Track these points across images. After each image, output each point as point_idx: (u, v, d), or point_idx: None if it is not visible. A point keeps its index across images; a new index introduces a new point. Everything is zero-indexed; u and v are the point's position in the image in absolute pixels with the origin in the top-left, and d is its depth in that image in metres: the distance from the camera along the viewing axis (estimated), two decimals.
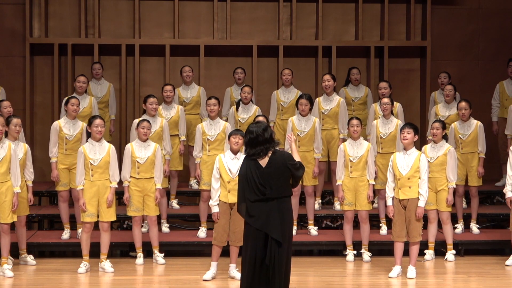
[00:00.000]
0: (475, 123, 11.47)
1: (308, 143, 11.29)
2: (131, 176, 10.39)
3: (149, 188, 10.43)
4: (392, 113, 11.53)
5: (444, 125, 10.63)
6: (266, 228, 7.68)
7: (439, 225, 10.85)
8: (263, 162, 7.75)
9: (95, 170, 10.05)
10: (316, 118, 11.36)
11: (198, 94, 12.80)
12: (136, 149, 10.40)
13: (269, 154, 7.77)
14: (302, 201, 11.78)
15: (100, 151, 10.11)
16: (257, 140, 7.75)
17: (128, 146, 10.46)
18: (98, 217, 10.12)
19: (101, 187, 10.10)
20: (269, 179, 7.70)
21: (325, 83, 12.07)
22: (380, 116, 11.64)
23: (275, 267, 7.68)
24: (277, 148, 7.88)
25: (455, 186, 10.65)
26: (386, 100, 11.46)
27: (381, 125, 11.45)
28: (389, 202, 9.97)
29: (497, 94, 13.20)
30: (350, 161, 10.61)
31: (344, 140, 11.84)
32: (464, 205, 11.86)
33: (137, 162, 10.35)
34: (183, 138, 12.07)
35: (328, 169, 12.51)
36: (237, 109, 12.10)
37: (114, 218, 10.21)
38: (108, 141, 12.75)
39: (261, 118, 10.42)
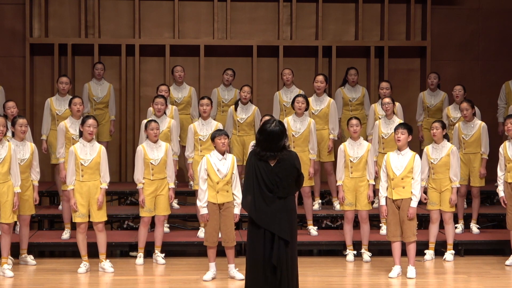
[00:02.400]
0: (478, 124, 11.45)
1: (303, 143, 11.26)
2: (144, 178, 10.38)
3: (162, 188, 10.43)
4: (393, 112, 11.52)
5: (444, 125, 10.62)
6: (273, 227, 7.65)
7: (441, 226, 10.85)
8: (272, 161, 7.72)
9: (85, 170, 10.03)
10: (311, 119, 11.33)
11: (189, 94, 12.80)
12: (149, 151, 10.39)
13: (278, 157, 7.73)
14: (300, 202, 11.76)
15: (91, 151, 10.07)
16: (270, 146, 7.68)
17: (140, 148, 10.44)
18: (89, 217, 10.12)
19: (92, 188, 10.07)
20: (277, 178, 7.67)
21: (317, 83, 12.02)
22: (382, 116, 11.63)
23: (282, 268, 7.63)
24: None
25: (458, 186, 10.65)
26: (387, 100, 11.45)
27: (383, 125, 11.44)
28: (382, 202, 9.98)
29: (503, 94, 13.13)
30: (351, 161, 10.60)
31: (334, 140, 11.87)
32: (465, 205, 11.85)
33: (151, 164, 10.34)
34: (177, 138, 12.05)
35: (320, 169, 12.49)
36: (235, 109, 12.09)
37: (105, 219, 10.18)
38: (108, 141, 12.86)
39: (267, 118, 10.38)
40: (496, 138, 12.87)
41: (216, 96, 12.86)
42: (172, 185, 10.49)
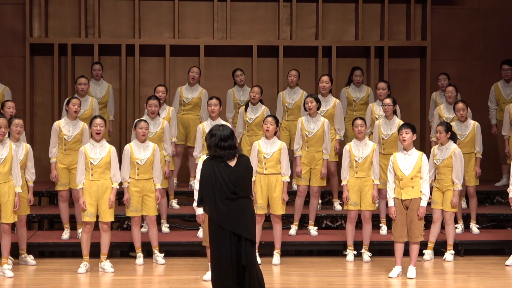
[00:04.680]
0: (472, 124, 11.48)
1: (316, 143, 11.24)
2: (130, 177, 10.39)
3: (148, 188, 10.43)
4: (395, 113, 11.50)
5: (448, 127, 10.59)
6: (238, 229, 7.78)
7: (442, 226, 10.85)
8: (232, 162, 7.87)
9: (95, 169, 10.06)
10: (325, 119, 11.29)
11: (199, 96, 12.78)
12: (135, 150, 10.40)
13: (236, 156, 7.92)
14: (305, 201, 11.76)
15: (100, 151, 10.12)
16: (227, 143, 7.84)
17: (127, 147, 10.47)
18: (97, 217, 10.13)
19: (101, 187, 10.10)
20: (239, 178, 7.82)
21: (322, 84, 12.02)
22: (382, 116, 11.61)
23: (251, 267, 7.78)
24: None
25: (460, 188, 10.65)
26: (388, 101, 11.41)
27: (383, 126, 11.43)
28: (391, 203, 9.95)
29: (493, 96, 13.16)
30: (356, 161, 10.60)
31: (340, 140, 11.87)
32: (464, 205, 11.86)
33: (137, 163, 10.35)
34: (174, 139, 12.04)
35: None
36: (245, 109, 12.10)
37: (112, 219, 10.22)
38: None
39: (270, 119, 10.41)
40: (491, 138, 12.89)
41: (232, 98, 12.85)
42: (158, 186, 10.49)
